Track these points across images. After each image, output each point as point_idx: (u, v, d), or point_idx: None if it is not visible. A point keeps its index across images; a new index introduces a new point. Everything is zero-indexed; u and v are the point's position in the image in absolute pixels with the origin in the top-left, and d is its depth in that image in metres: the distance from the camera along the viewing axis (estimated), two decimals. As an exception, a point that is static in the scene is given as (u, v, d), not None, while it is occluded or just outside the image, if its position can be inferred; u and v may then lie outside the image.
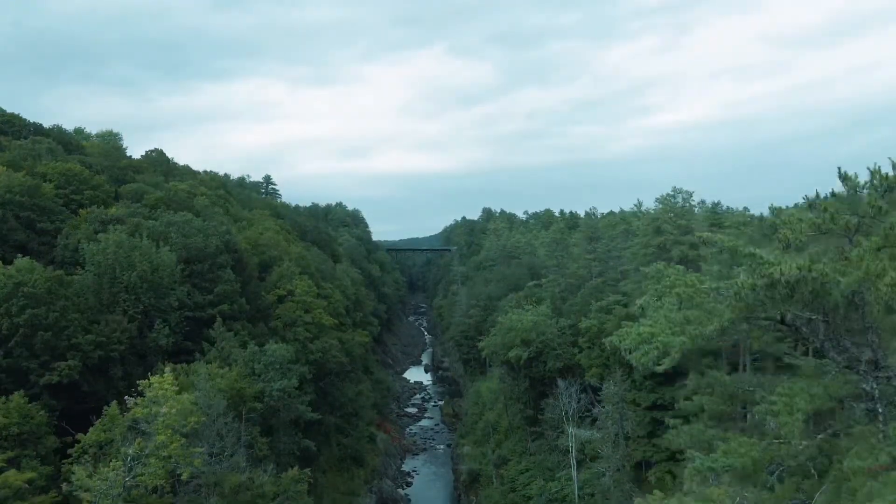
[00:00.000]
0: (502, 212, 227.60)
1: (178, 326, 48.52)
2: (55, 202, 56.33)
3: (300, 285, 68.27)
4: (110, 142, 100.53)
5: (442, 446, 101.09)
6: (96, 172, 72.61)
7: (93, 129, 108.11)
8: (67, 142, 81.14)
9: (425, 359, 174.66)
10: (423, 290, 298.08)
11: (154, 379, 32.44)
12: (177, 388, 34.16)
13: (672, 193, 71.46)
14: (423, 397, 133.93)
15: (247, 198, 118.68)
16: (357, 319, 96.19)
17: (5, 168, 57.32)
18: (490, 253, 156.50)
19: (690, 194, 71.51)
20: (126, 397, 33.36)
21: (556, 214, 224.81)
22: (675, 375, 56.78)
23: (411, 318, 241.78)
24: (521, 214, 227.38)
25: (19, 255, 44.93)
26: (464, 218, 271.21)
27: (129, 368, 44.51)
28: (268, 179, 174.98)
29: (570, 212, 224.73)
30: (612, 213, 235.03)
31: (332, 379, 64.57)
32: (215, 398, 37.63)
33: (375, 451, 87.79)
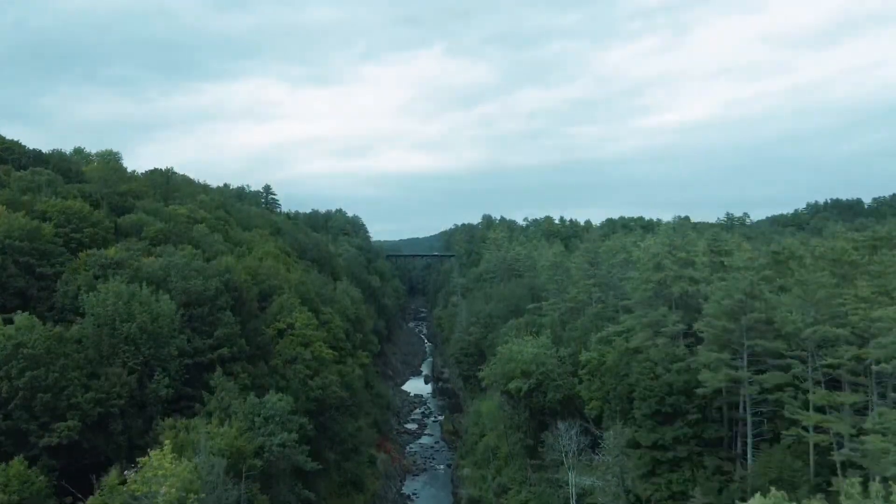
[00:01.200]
0: (502, 219, 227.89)
1: (177, 374, 48.47)
2: (55, 243, 56.21)
3: (300, 318, 68.24)
4: (110, 162, 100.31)
5: (442, 466, 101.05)
6: (96, 204, 72.64)
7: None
8: (67, 169, 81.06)
9: (425, 368, 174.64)
10: (422, 294, 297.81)
11: (154, 455, 32.40)
12: (176, 457, 34.10)
13: (672, 223, 71.59)
14: (423, 412, 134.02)
15: (246, 214, 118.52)
16: (356, 342, 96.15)
17: (5, 208, 57.25)
18: (490, 265, 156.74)
19: (694, 225, 71.45)
20: (125, 472, 33.34)
21: (556, 222, 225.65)
22: (674, 415, 57.04)
23: (411, 325, 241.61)
24: (520, 221, 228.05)
25: (19, 310, 44.89)
26: (464, 224, 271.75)
27: (129, 421, 44.54)
28: (267, 189, 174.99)
29: (571, 220, 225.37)
30: (610, 220, 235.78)
31: (332, 413, 64.57)
32: (215, 459, 37.61)
33: (376, 475, 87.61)
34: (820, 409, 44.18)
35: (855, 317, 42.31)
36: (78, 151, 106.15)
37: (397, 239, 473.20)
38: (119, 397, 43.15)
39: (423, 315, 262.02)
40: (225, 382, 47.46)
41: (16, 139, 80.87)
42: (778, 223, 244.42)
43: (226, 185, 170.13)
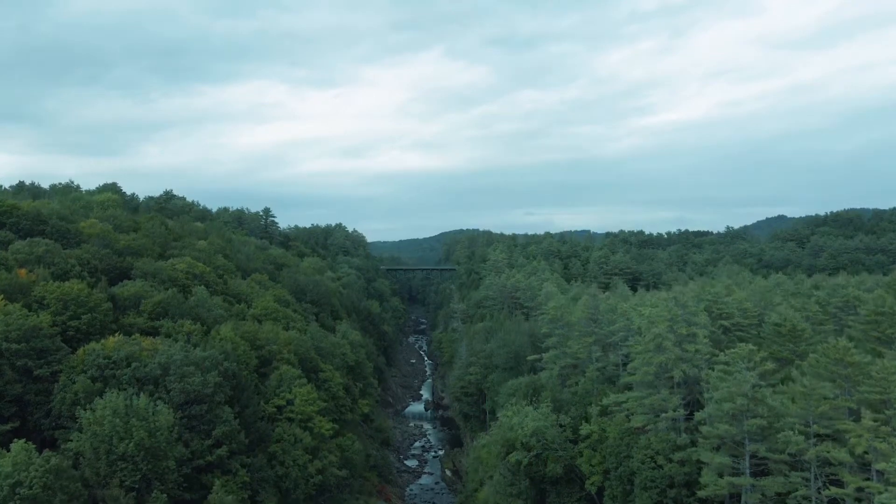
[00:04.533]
0: (502, 234, 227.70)
1: (175, 484, 48.20)
2: (52, 336, 55.72)
3: (299, 393, 67.96)
4: (108, 209, 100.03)
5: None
6: (94, 272, 72.29)
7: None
8: (65, 230, 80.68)
9: (425, 391, 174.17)
10: (422, 304, 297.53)
11: None
12: None
13: (675, 297, 71.19)
14: (423, 445, 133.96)
15: (245, 254, 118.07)
16: (357, 393, 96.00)
17: (2, 297, 56.89)
18: (490, 291, 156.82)
19: (695, 297, 71.15)
20: None
21: (555, 235, 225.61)
22: (676, 506, 56.91)
23: (411, 339, 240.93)
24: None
25: (15, 428, 44.54)
26: (465, 230, 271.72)
27: (127, 542, 44.34)
28: (267, 212, 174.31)
29: (571, 232, 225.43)
30: (610, 234, 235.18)
31: (333, 493, 64.43)
32: None
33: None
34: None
35: (858, 447, 42.10)
36: (77, 198, 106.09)
37: (397, 240, 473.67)
38: (117, 522, 42.97)
39: (422, 327, 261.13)
40: (223, 498, 47.15)
41: (14, 203, 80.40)
42: (778, 238, 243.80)
43: (225, 208, 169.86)
